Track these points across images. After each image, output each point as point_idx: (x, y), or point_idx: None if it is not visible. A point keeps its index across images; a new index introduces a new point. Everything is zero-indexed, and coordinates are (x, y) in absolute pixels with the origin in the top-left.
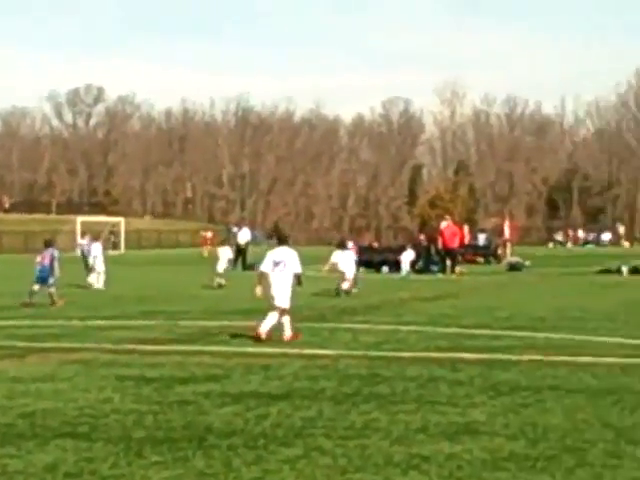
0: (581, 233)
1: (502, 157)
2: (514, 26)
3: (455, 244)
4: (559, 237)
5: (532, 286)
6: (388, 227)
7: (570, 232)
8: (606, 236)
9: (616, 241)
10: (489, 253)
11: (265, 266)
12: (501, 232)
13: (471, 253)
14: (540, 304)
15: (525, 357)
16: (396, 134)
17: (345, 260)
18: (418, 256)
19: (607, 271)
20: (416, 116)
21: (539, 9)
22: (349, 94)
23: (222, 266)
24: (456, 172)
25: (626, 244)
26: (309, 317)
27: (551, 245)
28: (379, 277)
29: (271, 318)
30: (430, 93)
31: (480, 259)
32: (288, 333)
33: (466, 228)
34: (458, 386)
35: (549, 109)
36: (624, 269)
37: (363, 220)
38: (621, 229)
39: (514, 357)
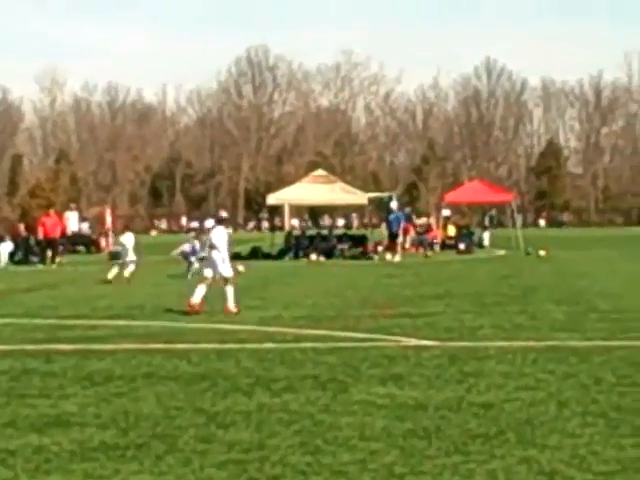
0: (184, 220)
1: (104, 146)
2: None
3: (57, 234)
4: (163, 225)
5: (135, 275)
6: None
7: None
8: (209, 223)
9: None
10: (90, 242)
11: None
12: (103, 221)
13: (73, 243)
14: (140, 293)
15: (121, 346)
16: None
17: None
18: (17, 247)
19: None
20: (15, 104)
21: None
22: None
23: None
24: (57, 161)
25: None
26: None
27: (154, 233)
28: None
29: (200, 289)
30: (30, 81)
31: (82, 248)
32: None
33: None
34: (51, 378)
35: (150, 97)
36: None
37: None
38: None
39: (110, 346)
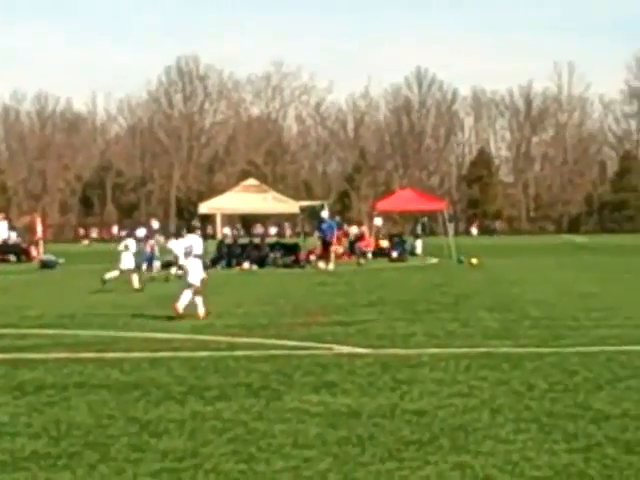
0: (116, 229)
1: (33, 154)
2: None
3: None
4: (94, 234)
5: (64, 284)
6: None
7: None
8: (141, 232)
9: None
10: (20, 251)
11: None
12: (34, 230)
13: (3, 252)
14: (71, 301)
15: (52, 355)
16: None
17: None
18: None
19: (139, 267)
20: None
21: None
22: None
23: None
24: None
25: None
26: None
27: (86, 242)
28: None
29: (186, 295)
30: None
31: (12, 257)
32: (201, 310)
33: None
34: None
35: (80, 106)
36: (157, 264)
37: None
38: (155, 224)
39: (41, 355)
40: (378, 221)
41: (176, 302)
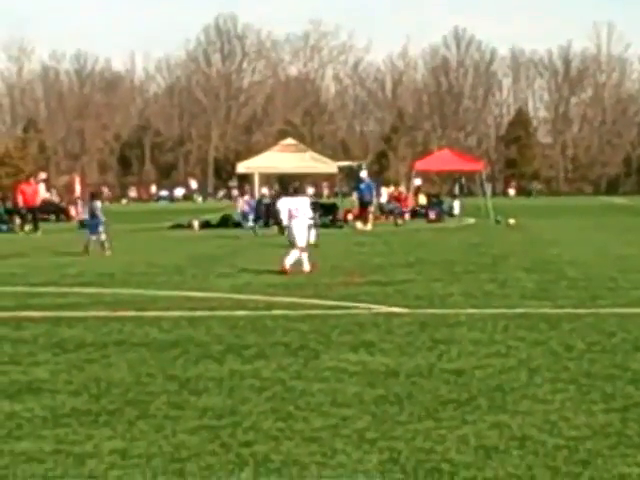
0: (154, 189)
1: (72, 114)
2: None
3: (36, 202)
4: (133, 193)
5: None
6: None
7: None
8: (179, 191)
9: (190, 196)
10: (59, 211)
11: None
12: (72, 189)
13: (43, 211)
14: (111, 260)
15: (92, 313)
16: None
17: None
18: None
19: (179, 226)
20: None
21: None
22: None
23: None
24: (25, 129)
25: (199, 199)
26: None
27: (125, 201)
28: None
29: (293, 254)
30: None
31: (52, 217)
32: (307, 266)
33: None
34: (22, 344)
35: (119, 65)
36: (195, 223)
37: None
38: (194, 184)
39: (81, 313)
40: (417, 181)
41: (283, 260)
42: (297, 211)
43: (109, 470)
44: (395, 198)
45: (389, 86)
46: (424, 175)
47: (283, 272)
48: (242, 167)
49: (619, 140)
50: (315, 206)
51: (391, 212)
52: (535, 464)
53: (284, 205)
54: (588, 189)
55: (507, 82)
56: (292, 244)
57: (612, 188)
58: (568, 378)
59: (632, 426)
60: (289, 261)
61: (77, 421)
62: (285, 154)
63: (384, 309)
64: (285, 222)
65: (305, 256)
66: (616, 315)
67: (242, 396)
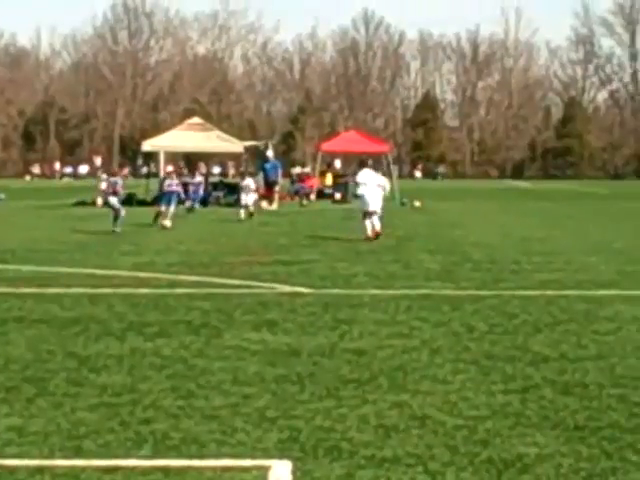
0: (58, 166)
1: None
2: None
3: None
4: (36, 170)
5: (4, 219)
6: None
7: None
8: (84, 168)
9: (94, 173)
10: None
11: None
12: None
13: None
14: (13, 237)
15: None
16: None
17: None
18: None
19: (83, 203)
20: None
21: None
22: None
23: None
24: None
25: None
26: None
27: (28, 178)
28: None
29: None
30: None
31: None
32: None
33: None
34: None
35: (24, 41)
36: (99, 201)
37: None
38: (98, 161)
39: None
40: (338, 163)
41: (375, 229)
42: (367, 180)
43: (6, 447)
44: (300, 178)
45: (297, 67)
46: (330, 156)
47: (378, 235)
48: (147, 145)
49: (525, 125)
50: (220, 185)
51: (297, 192)
52: (434, 443)
53: (360, 178)
54: (494, 173)
55: (415, 65)
56: (368, 212)
57: (517, 172)
58: (469, 359)
59: (531, 407)
60: (378, 227)
61: None
62: (191, 133)
63: (288, 289)
64: (359, 191)
65: (377, 220)
66: (518, 297)
67: (142, 374)
